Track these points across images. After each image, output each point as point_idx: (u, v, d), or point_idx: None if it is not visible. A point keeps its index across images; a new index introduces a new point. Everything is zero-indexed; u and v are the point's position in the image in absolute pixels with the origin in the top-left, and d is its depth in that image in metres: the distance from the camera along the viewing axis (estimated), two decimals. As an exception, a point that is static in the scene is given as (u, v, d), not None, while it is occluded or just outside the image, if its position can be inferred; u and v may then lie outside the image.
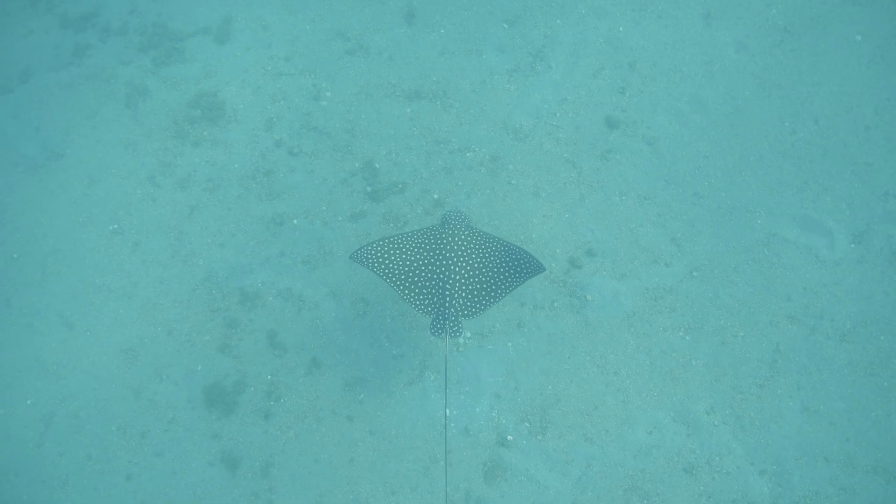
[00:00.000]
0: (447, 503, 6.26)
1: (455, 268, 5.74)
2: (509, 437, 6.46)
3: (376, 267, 5.78)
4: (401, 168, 7.42)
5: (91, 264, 7.28)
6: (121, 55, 8.16)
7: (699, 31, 7.80)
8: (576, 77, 7.70)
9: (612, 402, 6.53)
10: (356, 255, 5.82)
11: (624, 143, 7.39)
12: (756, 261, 6.90)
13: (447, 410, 6.50)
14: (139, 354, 6.92)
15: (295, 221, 7.28)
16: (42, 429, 6.71)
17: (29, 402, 6.81)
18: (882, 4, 7.71)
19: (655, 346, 6.67)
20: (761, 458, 6.30)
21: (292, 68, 7.95)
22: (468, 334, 6.77)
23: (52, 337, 7.03)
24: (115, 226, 7.40)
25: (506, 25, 7.98)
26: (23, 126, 7.88)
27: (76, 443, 6.66)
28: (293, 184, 7.44)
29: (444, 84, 7.75)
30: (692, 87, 7.57)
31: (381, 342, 6.81)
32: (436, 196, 7.29)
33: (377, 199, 7.31)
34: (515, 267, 5.76)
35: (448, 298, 5.69)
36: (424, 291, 5.72)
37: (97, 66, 8.11)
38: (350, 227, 7.24)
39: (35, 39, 8.29)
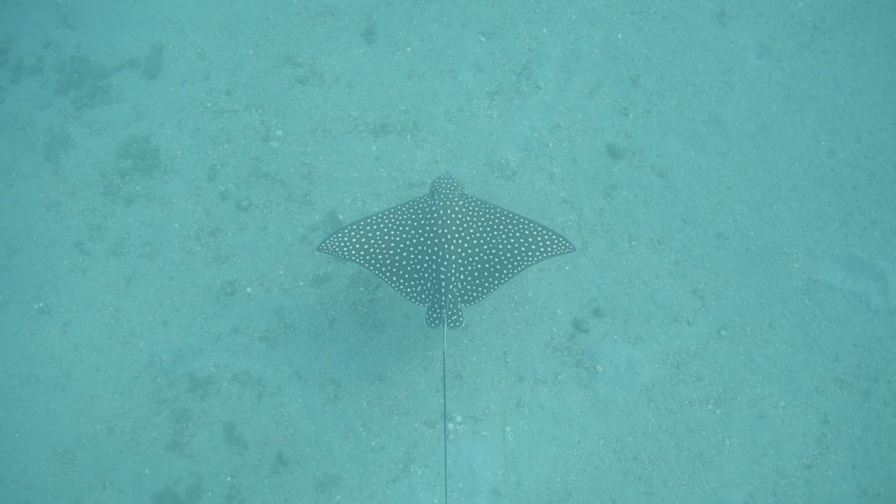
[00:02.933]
0: None
1: (450, 245, 4.96)
2: (514, 543, 5.49)
3: (354, 253, 5.05)
4: None
5: (15, 351, 6.29)
6: (37, 98, 7.02)
7: (713, 35, 6.66)
8: (569, 97, 6.58)
9: (633, 495, 5.56)
10: (326, 246, 5.07)
11: (630, 176, 6.31)
12: (795, 313, 5.89)
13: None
14: (77, 458, 5.97)
15: (248, 290, 6.26)
16: (-30, 553, 5.77)
17: (-47, 521, 5.84)
18: (927, -12, 6.57)
19: (681, 423, 5.68)
20: (814, 556, 5.35)
21: (235, 103, 6.82)
22: (458, 419, 5.76)
23: (-24, 440, 6.02)
24: (41, 304, 6.38)
25: (483, 38, 6.82)
26: (-76, 192, 6.79)
27: (10, 568, 5.72)
28: (244, 244, 6.39)
29: (414, 113, 6.63)
30: (708, 104, 6.46)
31: (357, 432, 5.83)
32: None
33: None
34: (526, 242, 4.93)
35: (444, 282, 4.94)
36: (415, 276, 5.01)
37: (10, 113, 6.98)
38: (313, 293, 6.21)
39: (-66, 85, 7.15)
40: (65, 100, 6.99)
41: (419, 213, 5.08)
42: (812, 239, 6.08)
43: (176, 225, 6.53)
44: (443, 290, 4.95)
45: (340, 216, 6.39)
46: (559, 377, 5.84)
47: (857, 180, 6.20)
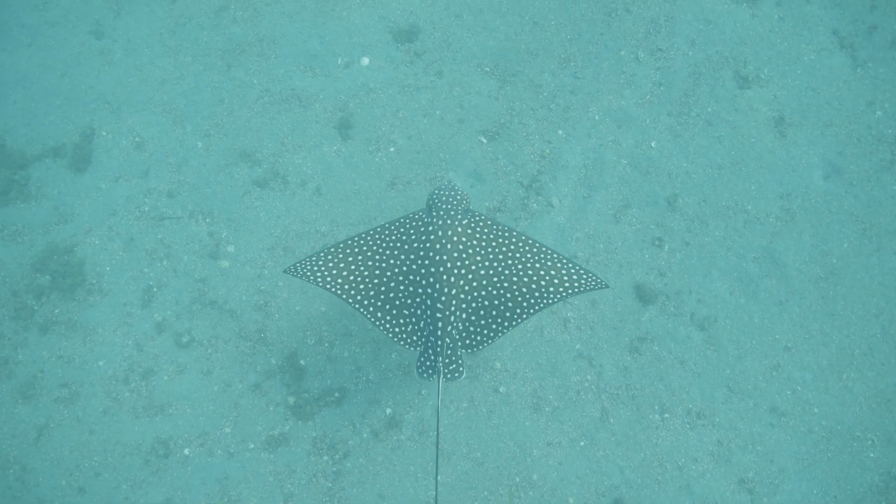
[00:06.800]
0: None
1: (450, 276, 4.16)
2: None
3: (330, 281, 4.27)
4: (337, 366, 5.35)
5: None
6: (-60, 189, 5.91)
7: (769, 148, 5.56)
8: (589, 220, 5.48)
9: None
10: (296, 269, 4.34)
11: (664, 327, 5.23)
12: (870, 519, 4.78)
13: None
14: None
15: (186, 452, 5.30)
16: None
17: None
18: None
19: None
20: None
21: (179, 209, 5.72)
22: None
23: None
24: (-69, 455, 5.33)
25: (484, 139, 5.70)
26: None
27: None
28: (182, 392, 5.38)
29: (397, 231, 5.49)
30: (762, 237, 5.37)
31: None
32: (389, 410, 5.23)
33: (304, 414, 5.23)
34: (548, 275, 4.15)
35: (441, 322, 4.16)
36: (405, 313, 4.26)
37: None
38: (266, 459, 5.20)
39: None
40: (-27, 193, 5.89)
41: (413, 234, 4.28)
42: (892, 421, 4.99)
43: (101, 363, 5.46)
44: (439, 333, 4.16)
45: (302, 361, 5.31)
46: (569, 589, 4.76)
47: (950, 346, 5.11)
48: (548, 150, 5.68)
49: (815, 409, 5.06)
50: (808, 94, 5.64)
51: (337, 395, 5.26)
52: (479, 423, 5.13)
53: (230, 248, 5.64)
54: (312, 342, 5.38)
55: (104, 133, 5.99)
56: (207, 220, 5.72)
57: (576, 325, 5.27)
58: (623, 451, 5.03)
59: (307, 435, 5.21)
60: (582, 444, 5.06)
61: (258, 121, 5.90)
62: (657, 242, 5.44)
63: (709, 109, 5.67)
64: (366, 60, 5.98)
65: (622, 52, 5.86)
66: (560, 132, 5.72)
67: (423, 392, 5.18)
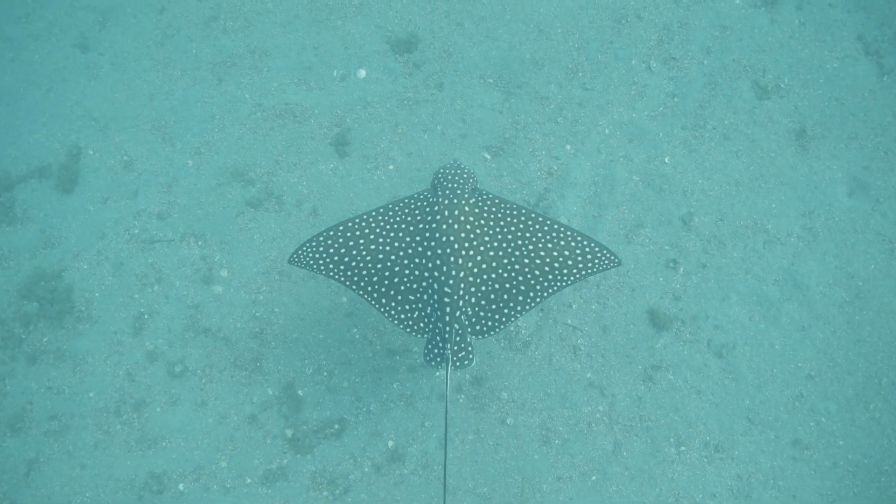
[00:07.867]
0: None
1: (458, 258, 4.04)
2: None
3: (332, 268, 4.20)
4: (337, 396, 5.17)
5: None
6: (-77, 212, 5.74)
7: (790, 162, 5.30)
8: (599, 241, 5.18)
9: None
10: (298, 258, 4.28)
11: (679, 355, 5.02)
12: (899, 558, 4.57)
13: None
14: None
15: (181, 487, 5.13)
16: None
17: None
18: None
19: None
20: None
21: (170, 231, 5.52)
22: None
23: None
24: (-82, 492, 5.21)
25: (488, 156, 5.46)
26: None
27: None
28: (176, 424, 5.21)
29: (397, 254, 5.27)
30: (783, 258, 5.14)
31: None
32: (391, 443, 5.06)
33: (302, 447, 5.07)
34: (561, 255, 4.04)
35: (449, 307, 4.03)
36: (411, 298, 4.14)
37: None
38: (263, 495, 5.05)
39: None
40: (-43, 216, 5.69)
41: (417, 215, 4.16)
42: (923, 455, 4.77)
43: (91, 394, 5.28)
44: (447, 319, 4.03)
45: (300, 391, 5.11)
46: None
47: (983, 374, 4.87)
48: (555, 167, 5.43)
49: (841, 442, 4.83)
50: (832, 104, 5.37)
51: (337, 427, 5.06)
52: (486, 456, 4.92)
53: (224, 273, 5.43)
54: (311, 371, 5.18)
55: (91, 152, 5.78)
56: (199, 242, 5.50)
57: (586, 352, 5.04)
58: (637, 486, 4.82)
59: (306, 469, 5.02)
60: (594, 478, 4.85)
61: (251, 137, 5.66)
62: (672, 264, 5.19)
63: (726, 122, 5.40)
64: (363, 72, 5.73)
65: (633, 62, 5.59)
66: (568, 147, 5.46)
67: (426, 424, 4.98)
